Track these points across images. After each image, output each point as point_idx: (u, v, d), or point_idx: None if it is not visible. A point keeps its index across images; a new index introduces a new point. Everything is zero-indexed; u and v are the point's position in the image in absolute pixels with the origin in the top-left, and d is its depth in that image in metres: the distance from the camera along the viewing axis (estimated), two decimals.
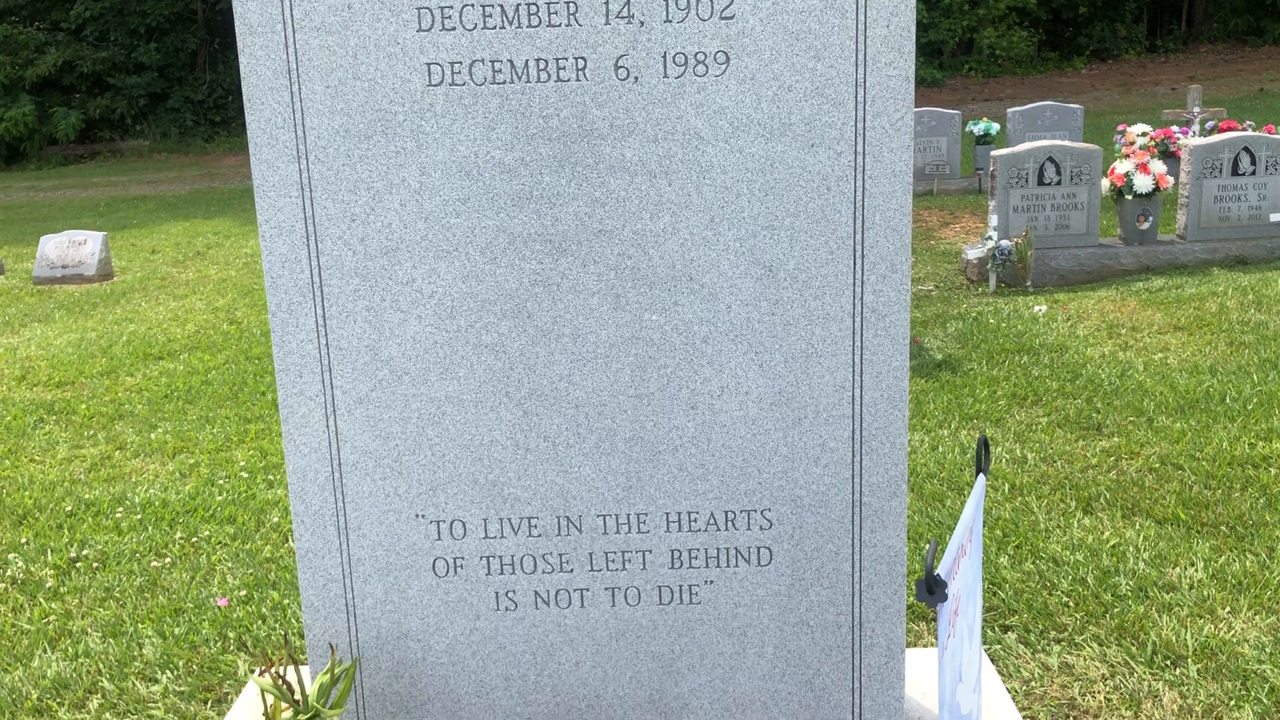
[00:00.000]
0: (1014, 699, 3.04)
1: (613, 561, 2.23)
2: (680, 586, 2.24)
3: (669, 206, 2.07)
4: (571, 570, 2.24)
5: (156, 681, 3.29)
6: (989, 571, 3.66)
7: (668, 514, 2.21)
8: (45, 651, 3.50)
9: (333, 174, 2.06)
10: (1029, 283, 7.74)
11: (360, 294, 2.11)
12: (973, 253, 7.80)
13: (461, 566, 2.24)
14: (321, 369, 2.14)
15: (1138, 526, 3.94)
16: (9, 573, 4.13)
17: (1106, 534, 3.90)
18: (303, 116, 2.03)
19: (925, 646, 3.20)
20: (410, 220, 2.08)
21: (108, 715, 3.12)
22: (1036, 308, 7.12)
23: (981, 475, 1.63)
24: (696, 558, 2.22)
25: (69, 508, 4.72)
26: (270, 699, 2.01)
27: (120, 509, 4.66)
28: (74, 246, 10.79)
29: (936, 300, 7.68)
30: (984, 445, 1.65)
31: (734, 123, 2.04)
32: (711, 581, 2.24)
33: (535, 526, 2.22)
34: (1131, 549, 3.77)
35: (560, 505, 2.21)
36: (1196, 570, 3.60)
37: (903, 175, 2.06)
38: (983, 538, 3.55)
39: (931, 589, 1.21)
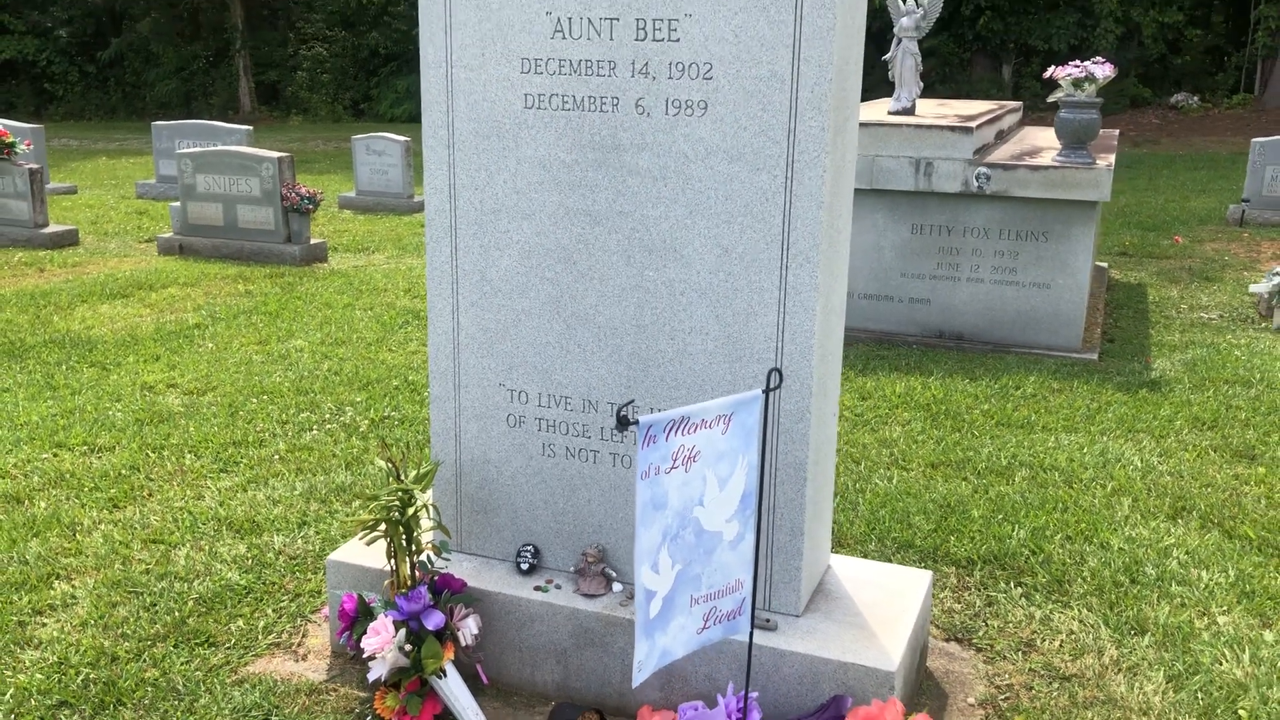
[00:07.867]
0: (987, 633, 3.73)
1: (616, 435, 3.30)
2: None
3: (663, 201, 3.09)
4: (590, 437, 3.33)
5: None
6: (1034, 544, 4.26)
7: (653, 409, 3.24)
8: (343, 469, 5.10)
9: (465, 159, 3.27)
10: None
11: (476, 237, 3.32)
12: (1257, 287, 7.74)
13: (523, 422, 3.40)
14: (452, 282, 3.38)
15: (1204, 537, 4.33)
16: (342, 419, 5.84)
17: (1170, 539, 4.33)
18: (452, 120, 3.26)
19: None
20: (508, 193, 3.25)
21: (356, 502, 4.62)
22: None
23: (762, 394, 2.53)
24: None
25: (395, 384, 6.41)
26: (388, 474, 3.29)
27: (429, 390, 6.28)
28: None
29: (1210, 328, 7.73)
30: (776, 373, 2.55)
31: (708, 149, 3.01)
32: None
33: (569, 404, 3.33)
34: (1179, 551, 4.20)
35: (586, 391, 3.30)
36: (1228, 576, 4.01)
37: (817, 195, 2.93)
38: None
39: (622, 423, 2.19)
